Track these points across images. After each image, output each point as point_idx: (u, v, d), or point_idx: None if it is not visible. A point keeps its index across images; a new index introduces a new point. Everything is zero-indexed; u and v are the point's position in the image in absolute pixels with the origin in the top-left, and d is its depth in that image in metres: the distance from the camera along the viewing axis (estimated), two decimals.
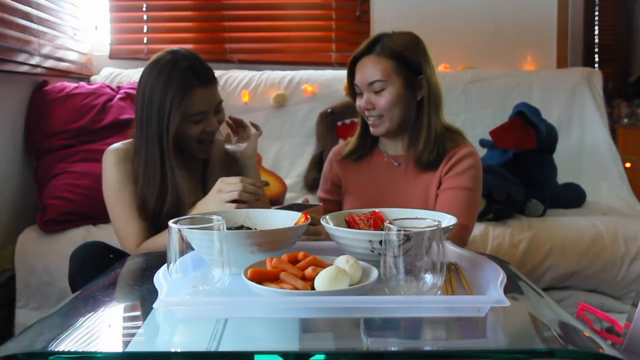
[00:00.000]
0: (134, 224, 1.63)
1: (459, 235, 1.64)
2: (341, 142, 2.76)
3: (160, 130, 1.62)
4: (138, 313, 1.09)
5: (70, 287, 1.56)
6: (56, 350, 0.85)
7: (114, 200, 1.66)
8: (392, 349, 0.92)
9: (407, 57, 1.67)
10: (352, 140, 1.83)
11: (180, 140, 1.65)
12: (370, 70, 1.67)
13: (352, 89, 1.75)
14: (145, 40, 3.27)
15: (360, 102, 1.71)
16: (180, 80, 1.60)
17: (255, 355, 0.83)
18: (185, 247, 1.01)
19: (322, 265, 1.06)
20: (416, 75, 1.68)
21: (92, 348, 0.88)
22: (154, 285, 1.07)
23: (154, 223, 1.66)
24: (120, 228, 1.65)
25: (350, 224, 1.35)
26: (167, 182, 1.63)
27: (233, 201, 1.48)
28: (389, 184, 1.75)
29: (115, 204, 1.66)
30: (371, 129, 1.73)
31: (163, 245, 1.53)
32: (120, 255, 1.58)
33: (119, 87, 2.74)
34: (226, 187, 1.50)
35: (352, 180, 1.81)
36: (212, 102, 1.66)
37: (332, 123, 2.87)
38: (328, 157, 1.89)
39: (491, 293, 1.00)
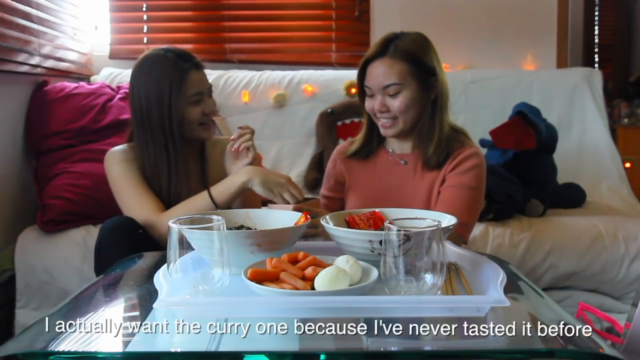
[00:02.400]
0: (148, 194, 1.68)
1: (459, 234, 1.63)
2: (342, 142, 2.76)
3: (162, 122, 1.70)
4: (138, 313, 1.09)
5: (95, 255, 1.60)
6: (56, 350, 0.85)
7: (123, 183, 1.71)
8: (392, 349, 0.92)
9: (421, 59, 1.66)
10: (357, 140, 1.81)
11: (183, 126, 1.72)
12: (385, 73, 1.65)
13: (362, 91, 1.73)
14: (145, 40, 3.27)
15: (372, 104, 1.69)
16: (174, 66, 1.70)
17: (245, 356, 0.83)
18: (185, 247, 1.01)
19: (322, 265, 1.06)
20: (429, 77, 1.67)
21: (92, 348, 0.88)
22: (154, 285, 1.07)
23: None
24: (135, 203, 1.68)
25: (350, 224, 1.35)
26: (172, 172, 1.71)
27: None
28: (394, 182, 1.74)
29: (124, 186, 1.70)
30: (382, 130, 1.71)
31: (189, 209, 1.61)
32: (147, 234, 1.61)
33: (119, 87, 2.74)
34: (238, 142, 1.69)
35: (357, 178, 1.80)
36: (206, 84, 1.76)
37: (332, 123, 2.87)
38: (332, 155, 1.87)
39: (491, 293, 1.00)
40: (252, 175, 1.62)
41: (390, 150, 1.78)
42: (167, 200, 1.71)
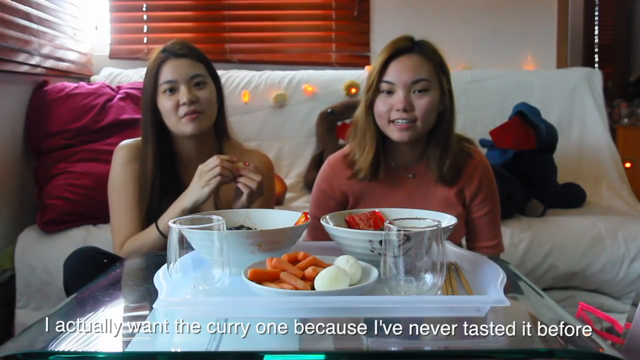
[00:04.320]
0: (128, 224, 1.66)
1: (499, 251, 1.69)
2: (342, 142, 2.76)
3: (144, 114, 1.69)
4: (138, 313, 1.09)
5: (66, 293, 1.56)
6: (56, 350, 0.85)
7: (115, 198, 1.70)
8: (392, 349, 0.92)
9: (443, 62, 1.59)
10: (363, 160, 1.62)
11: (165, 122, 1.66)
12: (416, 67, 1.55)
13: (375, 90, 1.58)
14: (145, 40, 3.27)
15: (390, 102, 1.55)
16: (155, 60, 1.66)
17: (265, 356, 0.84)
18: (185, 247, 1.01)
19: (322, 265, 1.06)
20: (446, 82, 1.60)
21: (92, 348, 0.88)
22: (154, 285, 1.07)
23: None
24: (114, 225, 1.70)
25: (350, 224, 1.35)
26: (157, 169, 1.67)
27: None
28: (405, 196, 1.64)
29: (115, 202, 1.70)
30: (396, 134, 1.56)
31: (141, 243, 1.59)
32: (113, 260, 1.57)
33: (119, 87, 2.74)
34: (206, 167, 1.52)
35: (364, 195, 1.65)
36: (184, 72, 1.64)
37: (332, 123, 2.87)
38: (324, 172, 1.69)
39: (491, 293, 1.00)
40: (188, 195, 1.54)
41: (393, 163, 1.65)
42: (155, 205, 1.66)
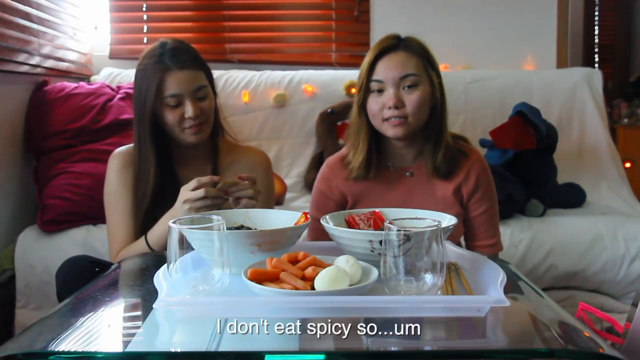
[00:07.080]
0: (124, 231, 1.66)
1: (497, 250, 1.69)
2: (342, 142, 2.76)
3: (139, 121, 1.66)
4: (138, 313, 1.09)
5: (59, 302, 1.55)
6: (56, 350, 0.85)
7: (110, 206, 1.71)
8: (392, 349, 0.92)
9: (431, 56, 1.61)
10: (355, 162, 1.64)
11: (165, 128, 1.65)
12: (403, 63, 1.56)
13: (366, 90, 1.60)
14: (145, 40, 3.27)
15: (381, 101, 1.56)
16: (155, 64, 1.63)
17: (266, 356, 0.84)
18: (185, 247, 1.01)
19: (322, 265, 1.06)
20: (436, 77, 1.61)
21: (92, 348, 0.88)
22: (154, 285, 1.07)
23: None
24: (110, 233, 1.70)
25: (350, 224, 1.35)
26: (150, 174, 1.65)
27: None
28: (404, 195, 1.65)
29: (110, 210, 1.70)
30: (390, 131, 1.57)
31: (132, 255, 1.57)
32: (105, 268, 1.55)
33: (119, 87, 2.74)
34: (189, 192, 1.47)
35: (362, 196, 1.66)
36: (188, 86, 1.62)
37: (332, 123, 2.87)
38: (322, 174, 1.70)
39: (491, 293, 1.00)
40: (178, 214, 1.49)
41: (390, 164, 1.67)
42: (151, 209, 1.65)
